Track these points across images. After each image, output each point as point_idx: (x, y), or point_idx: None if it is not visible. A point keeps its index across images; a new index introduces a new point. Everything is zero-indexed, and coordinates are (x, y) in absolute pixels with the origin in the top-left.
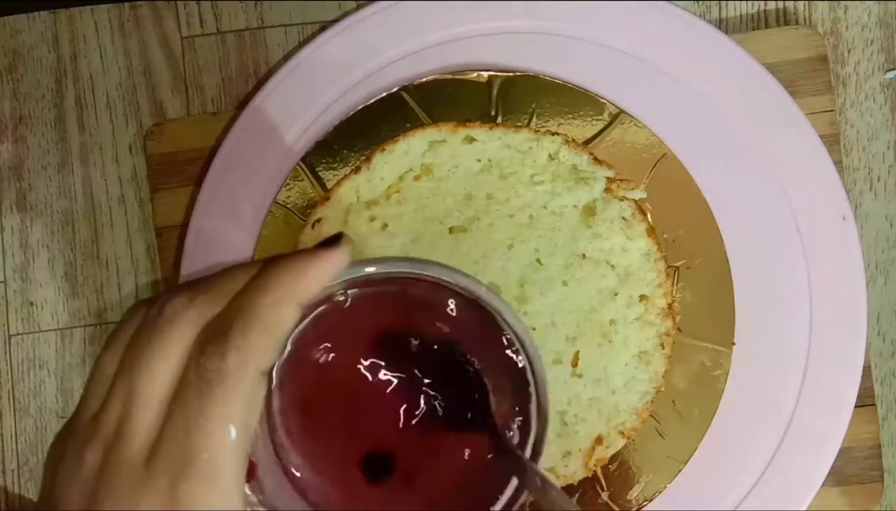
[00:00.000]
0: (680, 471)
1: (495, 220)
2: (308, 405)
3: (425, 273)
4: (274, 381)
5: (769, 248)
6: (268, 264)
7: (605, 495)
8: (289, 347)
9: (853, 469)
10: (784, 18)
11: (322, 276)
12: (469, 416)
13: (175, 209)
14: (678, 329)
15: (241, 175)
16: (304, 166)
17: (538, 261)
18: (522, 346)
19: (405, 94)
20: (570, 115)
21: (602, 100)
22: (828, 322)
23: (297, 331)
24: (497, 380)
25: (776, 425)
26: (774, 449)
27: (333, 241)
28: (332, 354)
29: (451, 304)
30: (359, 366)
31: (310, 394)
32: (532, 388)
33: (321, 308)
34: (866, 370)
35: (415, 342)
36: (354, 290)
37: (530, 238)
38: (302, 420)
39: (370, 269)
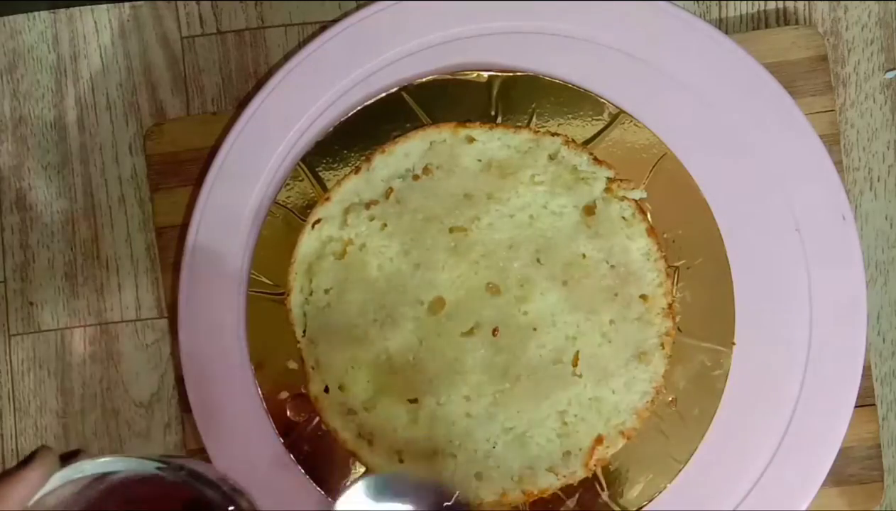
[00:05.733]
0: (680, 471)
1: (495, 220)
2: None
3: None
4: None
5: (769, 248)
6: None
7: (605, 495)
8: None
9: (853, 469)
10: (784, 18)
11: (15, 498)
12: None
13: (175, 209)
14: (678, 329)
15: (241, 175)
16: (304, 166)
17: (538, 261)
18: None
19: (405, 94)
20: (570, 115)
21: (602, 100)
22: (828, 322)
23: None
24: None
25: (776, 425)
26: (774, 449)
27: (29, 458)
28: None
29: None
30: None
31: None
32: None
33: None
34: (866, 370)
35: None
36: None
37: (530, 238)
38: None
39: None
